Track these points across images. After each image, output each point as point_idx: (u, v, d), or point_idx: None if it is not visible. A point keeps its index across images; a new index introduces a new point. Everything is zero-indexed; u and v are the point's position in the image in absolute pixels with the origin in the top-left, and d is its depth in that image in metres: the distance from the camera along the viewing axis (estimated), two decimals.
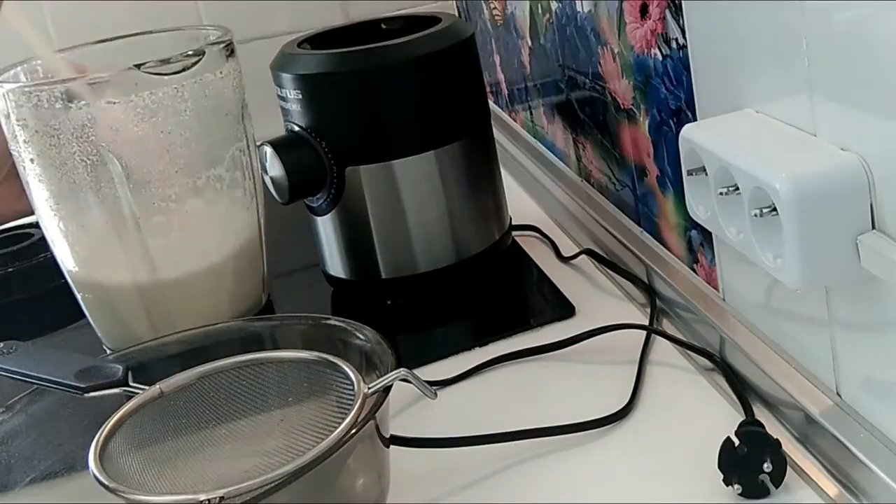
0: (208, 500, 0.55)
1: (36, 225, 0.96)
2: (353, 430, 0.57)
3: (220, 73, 0.84)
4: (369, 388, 0.61)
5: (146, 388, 0.65)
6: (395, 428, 0.72)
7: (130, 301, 0.85)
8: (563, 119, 1.05)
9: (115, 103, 0.78)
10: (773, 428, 0.65)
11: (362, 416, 0.59)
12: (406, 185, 0.90)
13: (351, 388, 0.62)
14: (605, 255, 0.94)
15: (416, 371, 0.80)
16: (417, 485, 0.68)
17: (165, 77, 0.79)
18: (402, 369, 0.61)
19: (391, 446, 0.67)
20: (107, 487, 0.58)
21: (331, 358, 0.65)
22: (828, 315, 0.60)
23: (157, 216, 0.82)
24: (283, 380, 0.67)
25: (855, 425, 0.60)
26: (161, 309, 0.85)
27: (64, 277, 0.88)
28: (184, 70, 0.80)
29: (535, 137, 1.20)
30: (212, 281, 0.86)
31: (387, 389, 0.61)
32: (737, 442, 0.61)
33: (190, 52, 0.81)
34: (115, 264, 0.84)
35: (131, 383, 0.65)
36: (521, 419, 0.70)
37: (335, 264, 0.94)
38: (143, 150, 0.80)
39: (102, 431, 0.62)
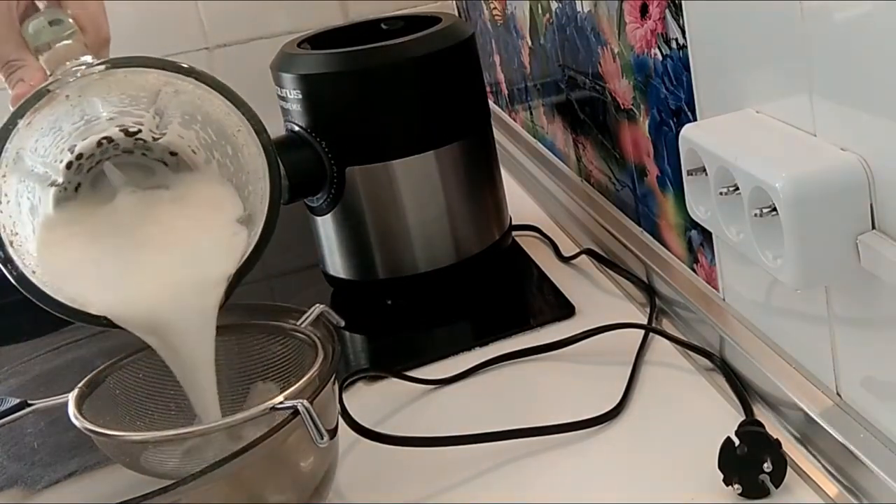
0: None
1: None
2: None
3: None
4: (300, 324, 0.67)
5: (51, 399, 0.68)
6: (393, 427, 0.72)
7: None
8: (563, 119, 1.05)
9: None
10: (773, 428, 0.65)
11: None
12: (406, 185, 0.90)
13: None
14: (605, 255, 0.94)
15: (416, 371, 0.81)
16: (413, 482, 0.68)
17: None
18: (318, 304, 0.68)
19: (390, 446, 0.68)
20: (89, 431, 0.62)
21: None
22: (828, 315, 0.60)
23: None
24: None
25: (855, 425, 0.60)
26: None
27: None
28: None
29: (535, 137, 1.20)
30: None
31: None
32: (737, 442, 0.60)
33: None
34: None
35: (29, 402, 0.69)
36: (521, 418, 0.70)
37: (335, 264, 0.94)
38: None
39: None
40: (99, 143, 0.66)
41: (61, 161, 0.65)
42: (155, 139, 0.66)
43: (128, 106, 0.65)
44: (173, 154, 0.68)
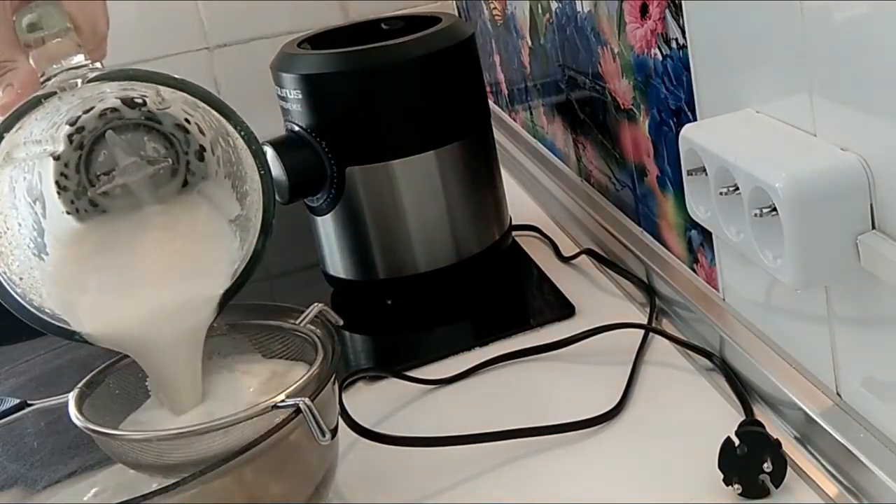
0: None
1: None
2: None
3: None
4: (299, 323, 0.68)
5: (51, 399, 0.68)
6: (393, 427, 0.72)
7: None
8: (563, 119, 1.05)
9: None
10: (773, 428, 0.65)
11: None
12: (406, 185, 0.90)
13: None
14: (605, 255, 0.94)
15: (416, 371, 0.81)
16: (413, 482, 0.68)
17: None
18: (317, 303, 0.68)
19: (390, 446, 0.68)
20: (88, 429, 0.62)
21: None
22: (828, 315, 0.60)
23: None
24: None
25: (855, 425, 0.60)
26: None
27: None
28: None
29: (535, 137, 1.20)
30: None
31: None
32: (737, 442, 0.60)
33: None
34: None
35: (29, 402, 0.69)
36: (521, 418, 0.70)
37: (335, 264, 0.94)
38: None
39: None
40: (101, 115, 0.64)
41: (62, 132, 0.64)
42: (160, 111, 0.65)
43: (128, 87, 0.64)
44: (184, 132, 0.66)
